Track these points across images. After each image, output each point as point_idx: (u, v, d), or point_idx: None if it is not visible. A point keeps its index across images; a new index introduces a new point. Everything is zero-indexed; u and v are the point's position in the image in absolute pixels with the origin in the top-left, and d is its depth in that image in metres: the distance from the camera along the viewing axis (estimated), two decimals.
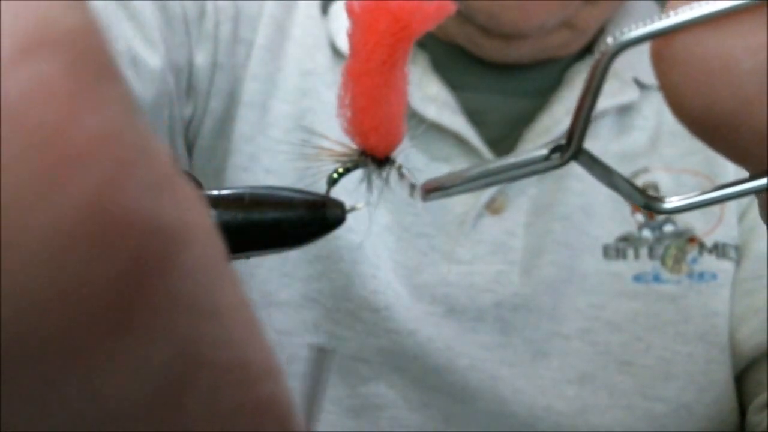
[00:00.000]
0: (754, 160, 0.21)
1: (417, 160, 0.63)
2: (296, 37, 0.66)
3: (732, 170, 0.64)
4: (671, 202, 0.23)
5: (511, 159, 0.23)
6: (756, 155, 0.21)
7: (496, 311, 0.63)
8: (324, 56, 0.66)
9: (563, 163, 0.23)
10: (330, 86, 0.65)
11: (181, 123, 0.64)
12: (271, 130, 0.64)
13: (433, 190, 0.25)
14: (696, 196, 0.23)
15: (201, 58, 0.64)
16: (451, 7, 0.24)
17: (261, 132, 0.64)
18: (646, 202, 0.23)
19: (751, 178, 0.22)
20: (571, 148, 0.23)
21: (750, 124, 0.20)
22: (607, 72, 0.21)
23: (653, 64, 0.21)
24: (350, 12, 0.24)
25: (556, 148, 0.23)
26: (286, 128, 0.64)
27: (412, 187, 0.27)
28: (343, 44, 0.64)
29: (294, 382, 0.64)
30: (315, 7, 0.67)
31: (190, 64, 0.64)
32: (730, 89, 0.19)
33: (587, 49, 0.67)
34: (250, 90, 0.65)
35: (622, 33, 0.21)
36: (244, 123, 0.64)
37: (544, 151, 0.23)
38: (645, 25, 0.20)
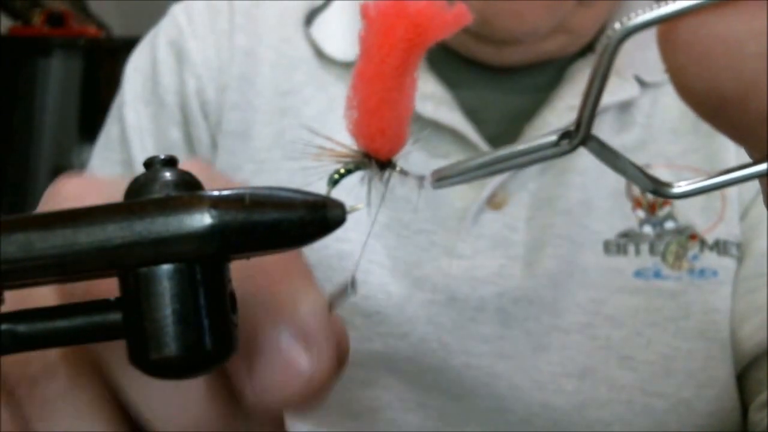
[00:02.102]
0: (759, 142, 0.21)
1: (416, 157, 0.64)
2: (270, 61, 0.68)
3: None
4: (680, 187, 0.23)
5: (520, 146, 0.23)
6: (760, 137, 0.21)
7: (497, 302, 0.63)
8: (302, 73, 0.67)
9: (572, 149, 0.23)
10: (308, 102, 0.66)
11: None
12: (257, 155, 0.66)
13: (443, 177, 0.25)
14: (704, 180, 0.23)
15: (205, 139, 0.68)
16: (469, 17, 0.24)
17: (248, 159, 0.66)
18: (655, 187, 0.23)
19: (757, 162, 0.22)
20: (579, 134, 0.23)
21: (753, 106, 0.20)
22: (615, 57, 0.21)
23: (659, 48, 0.21)
24: (365, 14, 0.24)
25: (565, 134, 0.23)
26: (271, 149, 0.65)
27: (421, 178, 0.27)
28: (333, 50, 0.66)
29: None
30: (290, 28, 0.68)
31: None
32: (733, 72, 0.19)
33: (588, 47, 0.67)
34: (231, 120, 0.66)
35: (629, 18, 0.21)
36: (230, 153, 0.66)
37: (554, 137, 0.23)
38: (651, 10, 0.20)
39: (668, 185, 0.23)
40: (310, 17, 0.68)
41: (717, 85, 0.20)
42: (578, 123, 0.23)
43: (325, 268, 0.63)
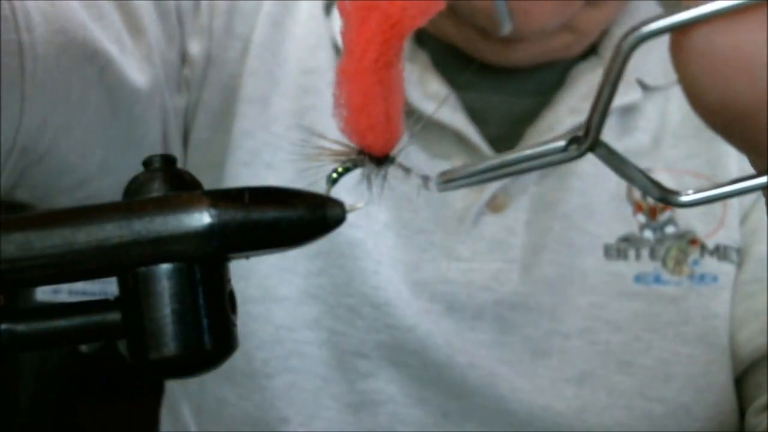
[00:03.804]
0: None
1: (417, 157, 0.63)
2: (297, 36, 0.67)
3: (735, 172, 0.64)
4: (687, 196, 0.23)
5: (528, 150, 0.24)
6: None
7: (495, 309, 0.63)
8: (326, 55, 0.66)
9: (581, 155, 0.23)
10: (331, 84, 0.65)
11: (174, 113, 0.64)
12: (272, 126, 0.65)
13: (450, 180, 0.25)
14: (711, 189, 0.23)
15: (194, 50, 0.65)
16: (441, 4, 0.24)
17: (262, 127, 0.65)
18: (662, 195, 0.23)
19: (764, 173, 0.22)
20: (588, 140, 0.23)
21: (766, 117, 0.20)
22: (627, 64, 0.21)
23: (672, 57, 0.21)
24: (342, 11, 0.24)
25: (573, 140, 0.23)
26: (288, 125, 0.65)
27: (425, 178, 0.26)
28: None
29: (294, 377, 0.64)
30: (318, 7, 0.67)
31: (182, 56, 0.64)
32: (747, 82, 0.19)
33: (590, 50, 0.67)
34: (249, 86, 0.65)
35: (643, 24, 0.21)
36: (245, 119, 0.65)
37: (562, 143, 0.23)
38: (665, 17, 0.20)
39: (675, 193, 0.23)
40: (329, 7, 0.68)
41: (731, 97, 0.20)
42: (587, 129, 0.22)
43: (336, 255, 0.63)
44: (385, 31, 0.23)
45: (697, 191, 0.23)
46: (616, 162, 0.23)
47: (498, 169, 0.24)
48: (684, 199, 0.23)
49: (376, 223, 0.63)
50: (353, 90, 0.24)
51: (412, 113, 0.63)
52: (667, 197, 0.23)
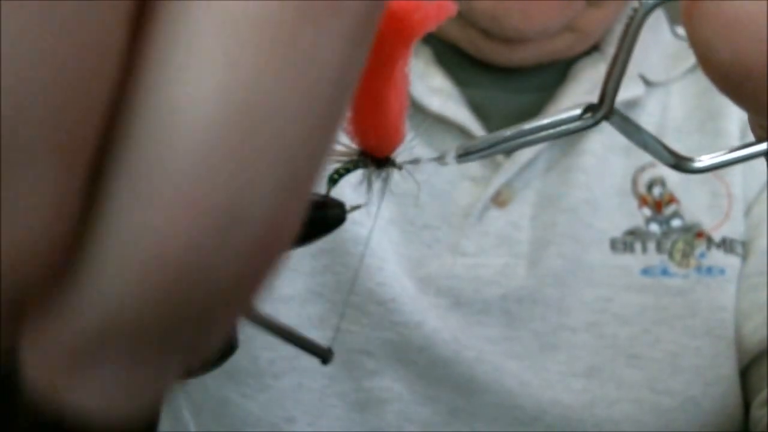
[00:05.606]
0: None
1: (420, 153, 0.63)
2: None
3: (738, 166, 0.65)
4: (701, 162, 0.23)
5: (543, 120, 0.23)
6: None
7: (502, 304, 0.63)
8: None
9: (596, 123, 0.23)
10: None
11: None
12: None
13: (467, 153, 0.25)
14: (725, 154, 0.23)
15: None
16: (452, 8, 0.24)
17: None
18: (676, 161, 0.23)
19: None
20: (603, 108, 0.23)
21: None
22: (641, 29, 0.21)
23: (684, 22, 0.21)
24: None
25: (588, 108, 0.23)
26: None
27: (441, 157, 0.26)
28: None
29: (301, 377, 0.64)
30: None
31: None
32: (759, 43, 0.20)
33: (593, 46, 0.67)
34: None
35: None
36: None
37: (577, 111, 0.23)
38: None
39: (689, 159, 0.23)
40: None
41: (742, 56, 0.20)
42: (602, 97, 0.23)
43: (341, 252, 0.62)
44: (392, 34, 0.23)
45: (711, 156, 0.23)
46: (630, 130, 0.23)
47: (515, 139, 0.24)
48: (697, 164, 0.23)
49: (380, 220, 0.63)
50: (357, 91, 0.24)
51: (416, 108, 0.63)
52: (680, 163, 0.23)
